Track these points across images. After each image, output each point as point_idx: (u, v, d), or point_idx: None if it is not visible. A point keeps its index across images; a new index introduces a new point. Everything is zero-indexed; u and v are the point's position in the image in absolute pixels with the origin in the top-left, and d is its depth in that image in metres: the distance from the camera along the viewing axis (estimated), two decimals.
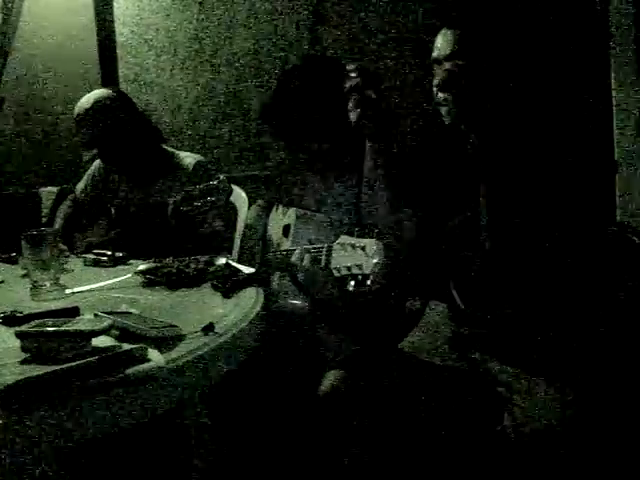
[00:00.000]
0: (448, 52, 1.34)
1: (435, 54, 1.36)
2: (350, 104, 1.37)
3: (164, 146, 2.36)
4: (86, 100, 2.24)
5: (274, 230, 1.92)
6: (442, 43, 1.35)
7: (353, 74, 1.36)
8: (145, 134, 2.29)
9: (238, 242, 2.16)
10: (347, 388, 1.54)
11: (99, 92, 2.29)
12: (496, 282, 1.42)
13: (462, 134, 1.47)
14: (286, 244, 1.76)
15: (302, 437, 1.58)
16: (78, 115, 2.23)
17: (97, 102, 2.22)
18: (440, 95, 1.37)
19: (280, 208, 1.92)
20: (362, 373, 1.54)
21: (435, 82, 1.37)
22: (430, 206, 1.51)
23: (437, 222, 1.51)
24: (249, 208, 2.15)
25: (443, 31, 1.35)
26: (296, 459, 1.59)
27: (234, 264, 1.64)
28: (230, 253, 2.06)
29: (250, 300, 1.45)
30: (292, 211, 1.79)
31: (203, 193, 1.76)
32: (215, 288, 1.53)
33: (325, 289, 1.60)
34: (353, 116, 1.37)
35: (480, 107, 1.36)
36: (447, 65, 1.34)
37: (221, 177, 1.81)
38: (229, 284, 1.52)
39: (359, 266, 1.33)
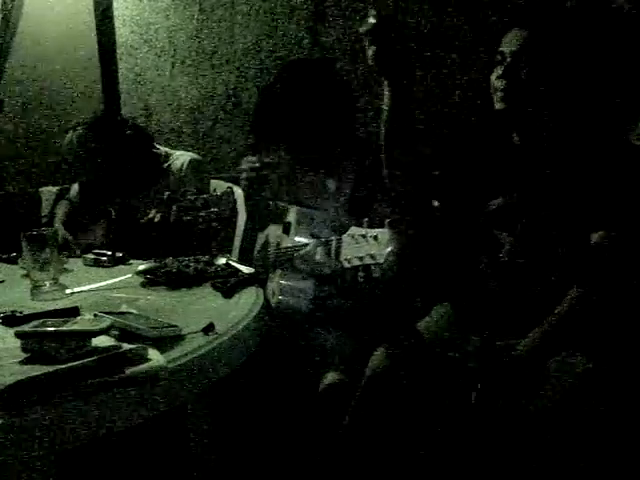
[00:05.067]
0: (514, 49, 1.44)
1: (503, 48, 1.47)
2: (366, 45, 1.41)
3: (157, 146, 2.36)
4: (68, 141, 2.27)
5: (272, 229, 1.92)
6: (511, 40, 1.46)
7: (370, 19, 1.41)
8: (131, 154, 2.27)
9: (238, 242, 2.16)
10: (346, 388, 1.54)
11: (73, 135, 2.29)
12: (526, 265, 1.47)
13: (504, 128, 1.54)
14: (287, 241, 1.77)
15: (302, 436, 1.58)
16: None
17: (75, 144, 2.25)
18: (498, 82, 1.46)
19: (277, 206, 1.92)
20: (362, 373, 1.54)
21: (498, 71, 1.47)
22: (463, 194, 1.58)
23: (467, 210, 1.57)
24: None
25: (515, 30, 1.46)
26: (296, 458, 1.59)
27: (234, 264, 1.64)
28: (230, 253, 2.06)
29: (250, 300, 1.45)
30: (292, 209, 1.79)
31: (207, 204, 1.75)
32: (215, 288, 1.53)
33: (335, 281, 1.61)
34: (370, 54, 1.40)
35: (532, 104, 1.45)
36: (510, 60, 1.44)
37: (226, 188, 1.80)
38: (229, 284, 1.52)
39: (372, 256, 1.32)
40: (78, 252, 2.15)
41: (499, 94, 1.46)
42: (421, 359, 1.47)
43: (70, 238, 2.28)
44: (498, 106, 1.47)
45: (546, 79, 1.42)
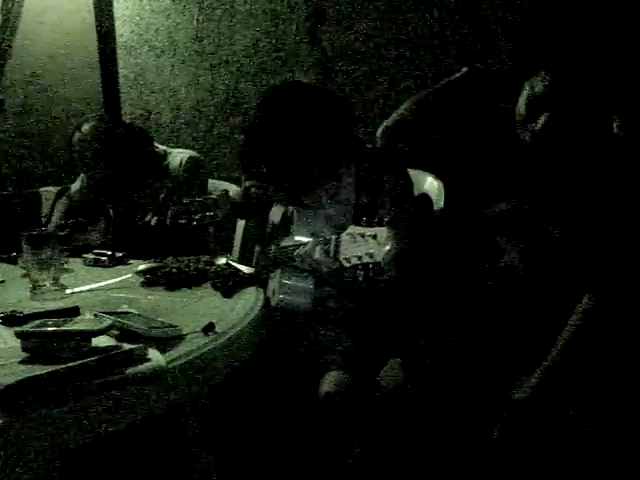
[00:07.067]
0: (539, 94, 1.44)
1: (539, 94, 1.45)
2: None
3: (156, 145, 2.36)
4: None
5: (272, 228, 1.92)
6: (537, 85, 1.45)
7: None
8: (132, 152, 2.27)
9: (238, 242, 2.16)
10: (347, 389, 1.54)
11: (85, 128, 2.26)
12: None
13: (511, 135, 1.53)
14: (287, 240, 1.77)
15: (303, 437, 1.58)
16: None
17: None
18: (536, 127, 1.43)
19: (278, 206, 1.92)
20: (362, 374, 1.54)
21: (531, 110, 1.45)
22: (466, 196, 1.60)
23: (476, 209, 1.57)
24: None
25: (542, 74, 1.46)
26: (297, 459, 1.59)
27: (234, 264, 1.64)
28: (230, 253, 2.06)
29: (250, 300, 1.45)
30: (292, 208, 1.79)
31: (202, 207, 1.74)
32: (215, 288, 1.53)
33: (335, 281, 1.61)
34: None
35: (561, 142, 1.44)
36: (539, 106, 1.43)
37: (221, 191, 1.80)
38: (229, 284, 1.52)
39: (370, 254, 1.32)
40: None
41: (529, 134, 1.44)
42: (439, 373, 1.46)
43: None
44: (525, 137, 1.45)
45: (583, 123, 1.42)
